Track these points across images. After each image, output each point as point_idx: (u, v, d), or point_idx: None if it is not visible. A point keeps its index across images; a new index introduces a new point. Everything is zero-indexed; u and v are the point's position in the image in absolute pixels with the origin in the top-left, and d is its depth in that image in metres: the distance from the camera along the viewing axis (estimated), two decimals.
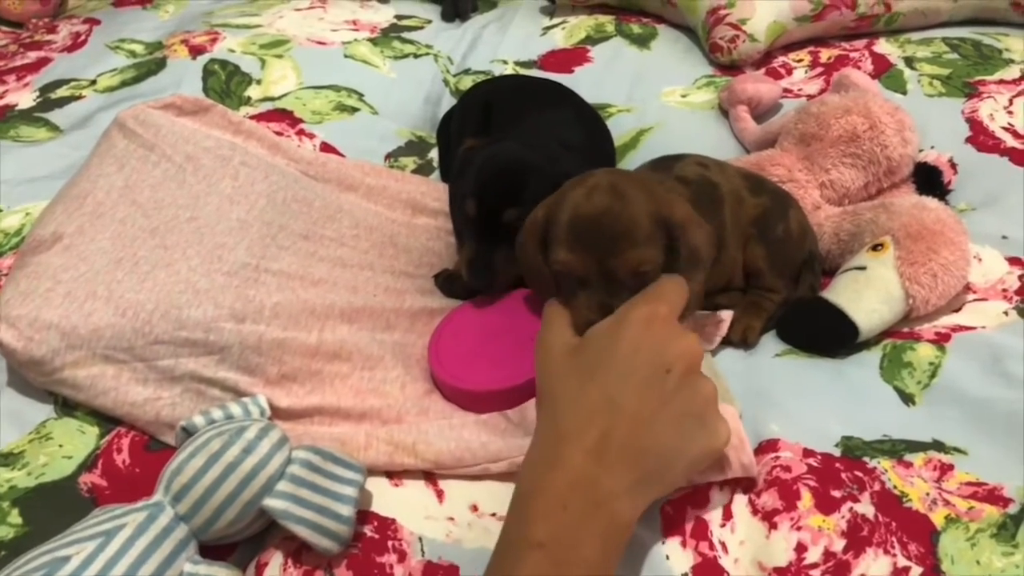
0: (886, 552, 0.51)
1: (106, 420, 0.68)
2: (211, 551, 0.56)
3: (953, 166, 0.95)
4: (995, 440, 0.59)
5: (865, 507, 0.54)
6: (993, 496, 0.55)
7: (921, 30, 1.26)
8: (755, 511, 0.55)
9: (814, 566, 0.51)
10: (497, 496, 0.59)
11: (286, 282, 0.73)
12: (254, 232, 0.76)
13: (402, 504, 0.60)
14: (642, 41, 1.28)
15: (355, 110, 1.10)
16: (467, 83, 1.18)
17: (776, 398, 0.64)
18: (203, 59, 1.18)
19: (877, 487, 0.55)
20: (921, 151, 0.94)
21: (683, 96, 1.14)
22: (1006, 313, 0.72)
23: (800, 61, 1.21)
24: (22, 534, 0.60)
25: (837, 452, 0.59)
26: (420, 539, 0.57)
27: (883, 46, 1.21)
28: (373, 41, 1.26)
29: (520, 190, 0.73)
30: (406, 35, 1.30)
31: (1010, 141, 0.97)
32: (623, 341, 0.51)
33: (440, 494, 0.61)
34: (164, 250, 0.74)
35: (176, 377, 0.67)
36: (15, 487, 0.62)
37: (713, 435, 0.50)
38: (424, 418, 0.67)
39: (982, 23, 1.27)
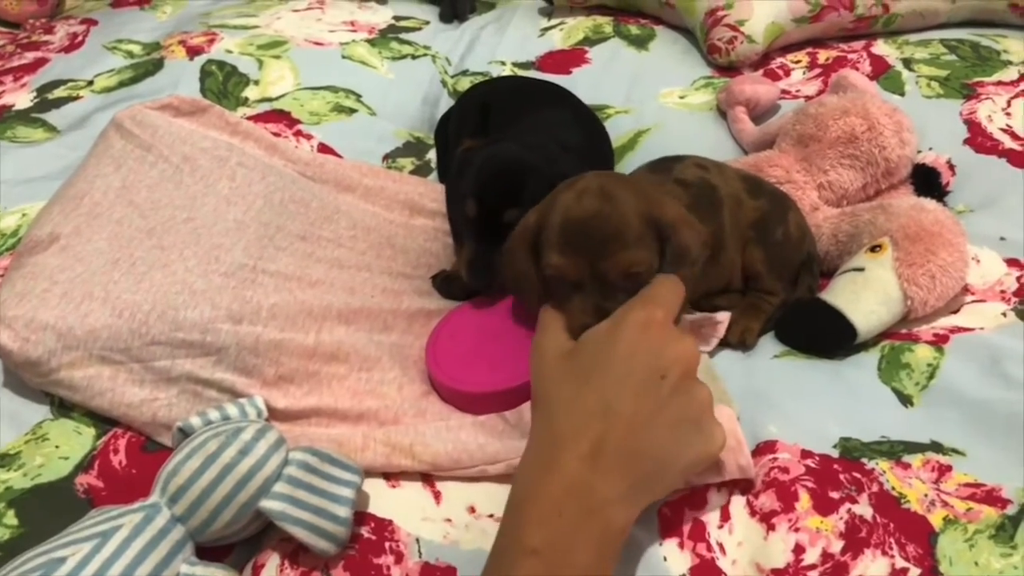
0: (884, 553, 0.51)
1: (103, 421, 0.68)
2: (208, 552, 0.56)
3: (951, 167, 0.95)
4: (993, 441, 0.59)
5: (863, 508, 0.54)
6: (991, 497, 0.55)
7: (919, 31, 1.26)
8: (753, 512, 0.55)
9: (812, 567, 0.51)
10: (495, 498, 0.59)
11: (283, 283, 0.73)
12: (251, 233, 0.76)
13: (399, 505, 0.60)
14: (640, 42, 1.28)
15: (353, 111, 1.10)
16: (465, 84, 1.18)
17: (774, 399, 0.64)
18: (200, 60, 1.18)
19: (875, 488, 0.55)
20: (919, 152, 0.94)
21: (681, 97, 1.14)
22: (1004, 314, 0.72)
23: (798, 62, 1.21)
24: (18, 535, 0.60)
25: (835, 453, 0.58)
26: (417, 540, 0.57)
27: (881, 47, 1.21)
28: (371, 42, 1.26)
29: (520, 190, 0.72)
30: (404, 36, 1.30)
31: (1008, 142, 0.97)
32: (619, 345, 0.50)
33: (437, 495, 0.61)
34: (161, 251, 0.74)
35: (173, 378, 0.67)
36: (11, 488, 0.62)
37: (709, 440, 0.50)
38: (421, 419, 0.67)
39: (980, 24, 1.27)
